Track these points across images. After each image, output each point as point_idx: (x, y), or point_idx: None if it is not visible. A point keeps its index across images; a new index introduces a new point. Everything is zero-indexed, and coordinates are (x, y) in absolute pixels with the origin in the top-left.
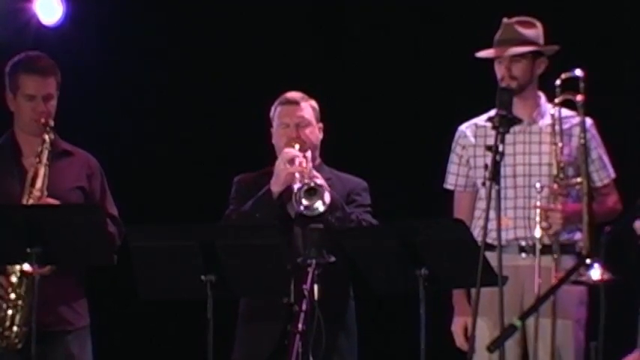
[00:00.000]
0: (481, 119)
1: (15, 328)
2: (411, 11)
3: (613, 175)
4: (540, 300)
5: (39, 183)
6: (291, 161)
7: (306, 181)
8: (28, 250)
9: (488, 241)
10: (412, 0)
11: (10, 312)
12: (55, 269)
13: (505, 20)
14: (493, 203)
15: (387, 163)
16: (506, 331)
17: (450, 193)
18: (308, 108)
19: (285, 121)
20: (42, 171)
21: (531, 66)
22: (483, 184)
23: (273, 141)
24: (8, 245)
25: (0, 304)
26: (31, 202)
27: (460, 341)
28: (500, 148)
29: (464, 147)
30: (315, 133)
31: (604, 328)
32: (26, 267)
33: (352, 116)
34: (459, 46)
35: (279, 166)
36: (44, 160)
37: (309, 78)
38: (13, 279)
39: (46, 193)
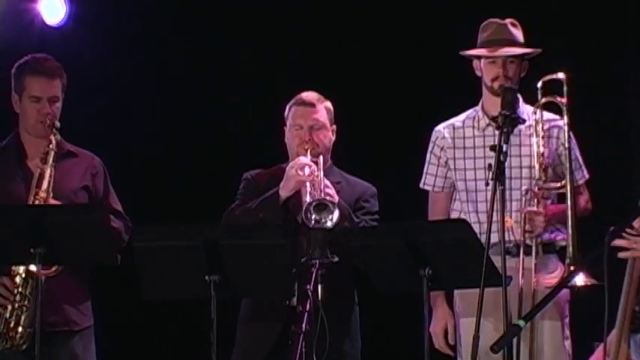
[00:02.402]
0: (458, 120)
1: (20, 329)
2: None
3: (587, 175)
4: (543, 301)
5: (45, 184)
6: (303, 169)
7: (317, 195)
8: (32, 250)
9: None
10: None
11: (15, 313)
12: (60, 270)
13: (496, 20)
14: (495, 205)
15: (391, 163)
16: (510, 331)
17: (425, 193)
18: (323, 110)
19: (299, 122)
20: (48, 172)
21: (520, 68)
22: (487, 184)
23: (286, 140)
24: (12, 246)
25: (5, 304)
26: (36, 203)
27: (440, 342)
28: (504, 148)
29: (442, 148)
30: (327, 136)
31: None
32: (32, 267)
33: (356, 116)
34: (462, 45)
35: (291, 171)
36: (50, 161)
37: (312, 78)
38: (18, 280)
39: (51, 194)
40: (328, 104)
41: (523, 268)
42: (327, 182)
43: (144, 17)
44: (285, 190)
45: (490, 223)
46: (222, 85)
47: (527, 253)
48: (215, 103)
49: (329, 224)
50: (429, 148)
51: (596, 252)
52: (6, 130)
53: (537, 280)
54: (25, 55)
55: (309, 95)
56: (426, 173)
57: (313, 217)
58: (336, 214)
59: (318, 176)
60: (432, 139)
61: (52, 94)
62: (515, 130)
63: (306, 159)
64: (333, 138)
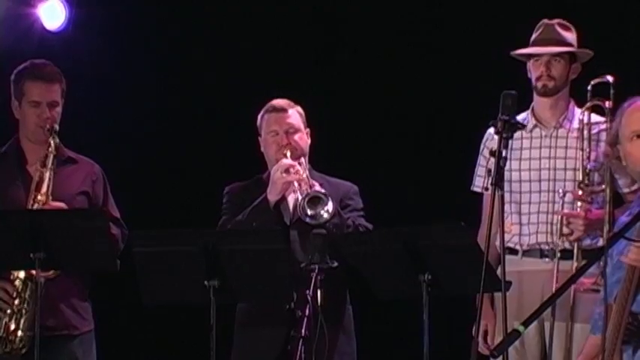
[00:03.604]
0: None
1: (19, 333)
2: (415, 11)
3: None
4: (544, 305)
5: (44, 188)
6: (288, 170)
7: (308, 190)
8: (32, 255)
9: (510, 245)
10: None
11: (14, 317)
12: (59, 272)
13: (545, 21)
14: (508, 208)
15: (394, 167)
16: (510, 337)
17: (476, 195)
18: (295, 114)
19: (274, 128)
20: (47, 175)
21: (568, 68)
22: (486, 189)
23: (262, 149)
24: (12, 251)
25: (4, 309)
26: (36, 206)
27: (480, 344)
28: (504, 154)
29: (491, 150)
30: (304, 139)
31: None
32: (32, 270)
33: (355, 119)
34: (466, 47)
35: (276, 174)
36: (49, 164)
37: (310, 82)
38: (18, 283)
39: (50, 197)
40: (299, 108)
41: (558, 272)
42: (313, 181)
43: (143, 22)
44: (273, 194)
45: (490, 226)
46: (222, 90)
47: (568, 258)
48: (215, 108)
49: (326, 216)
50: (480, 150)
51: (595, 257)
52: (6, 135)
53: (577, 285)
54: (25, 60)
55: (279, 101)
56: (476, 175)
57: (309, 212)
58: (330, 204)
59: (303, 175)
60: (483, 140)
61: (52, 99)
62: (562, 132)
63: (289, 160)
64: (309, 141)
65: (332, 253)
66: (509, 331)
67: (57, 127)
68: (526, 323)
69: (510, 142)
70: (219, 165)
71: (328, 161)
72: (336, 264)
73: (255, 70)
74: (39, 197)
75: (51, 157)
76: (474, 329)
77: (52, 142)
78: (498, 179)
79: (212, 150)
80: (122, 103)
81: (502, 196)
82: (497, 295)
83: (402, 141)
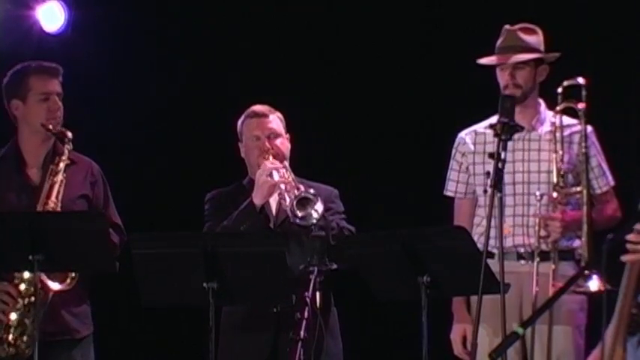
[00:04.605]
0: (481, 126)
1: (25, 338)
2: (407, 15)
3: (612, 182)
4: (542, 308)
5: (54, 195)
6: (272, 173)
7: (295, 192)
8: (30, 257)
9: (488, 248)
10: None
11: (21, 321)
12: (75, 282)
13: (507, 27)
14: (494, 210)
15: (389, 169)
16: (509, 339)
17: (450, 200)
18: (276, 119)
19: (255, 133)
20: (58, 182)
21: (534, 73)
22: (485, 191)
23: (243, 155)
24: (11, 252)
25: (9, 311)
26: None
27: (458, 349)
28: (503, 156)
29: (463, 154)
30: (285, 143)
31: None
32: (56, 286)
33: (347, 123)
34: (454, 50)
35: (262, 178)
36: (62, 171)
37: (292, 87)
38: (24, 288)
39: (60, 204)
40: (279, 114)
41: (537, 275)
42: (299, 184)
43: (142, 24)
44: (258, 198)
45: (489, 229)
46: (222, 92)
47: (545, 259)
48: (216, 110)
49: (315, 215)
50: (452, 154)
51: (595, 260)
52: (5, 140)
53: (555, 286)
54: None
55: (260, 107)
56: (448, 179)
57: (299, 214)
58: (319, 204)
59: (289, 177)
60: (455, 145)
61: (58, 91)
62: (535, 135)
63: (273, 164)
64: (289, 146)
65: (330, 256)
66: (484, 333)
67: (70, 134)
68: (525, 325)
69: (487, 146)
70: (219, 167)
71: (315, 167)
72: (335, 266)
73: (254, 70)
74: (50, 204)
75: (62, 164)
76: (452, 333)
77: (66, 149)
78: (497, 181)
79: (211, 152)
80: (121, 106)
81: (501, 199)
82: (473, 298)
83: (392, 144)
